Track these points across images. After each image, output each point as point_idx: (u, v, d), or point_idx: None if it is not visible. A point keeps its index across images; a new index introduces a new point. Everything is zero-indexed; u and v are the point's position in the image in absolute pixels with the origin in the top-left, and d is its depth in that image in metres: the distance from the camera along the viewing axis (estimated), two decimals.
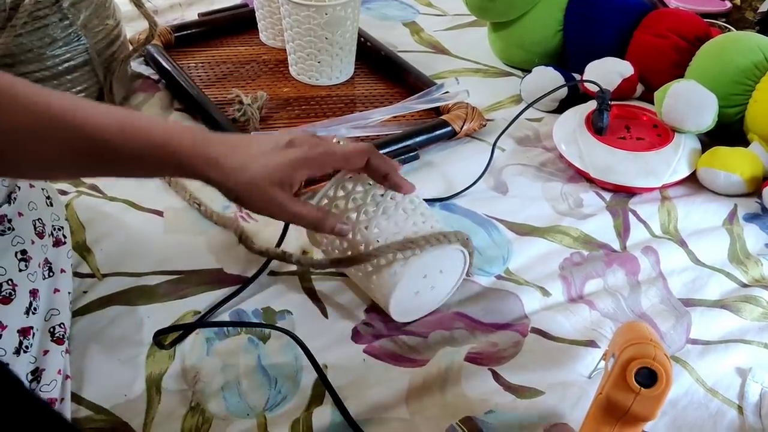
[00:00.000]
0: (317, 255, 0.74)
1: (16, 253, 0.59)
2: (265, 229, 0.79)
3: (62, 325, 0.63)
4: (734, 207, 0.87)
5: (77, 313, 0.68)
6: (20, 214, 0.61)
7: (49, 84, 0.87)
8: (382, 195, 0.64)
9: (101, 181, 0.83)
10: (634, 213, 0.85)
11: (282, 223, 0.75)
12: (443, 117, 0.95)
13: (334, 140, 0.62)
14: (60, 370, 0.59)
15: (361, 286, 0.70)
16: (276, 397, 0.62)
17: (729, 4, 1.25)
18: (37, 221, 0.63)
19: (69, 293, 0.66)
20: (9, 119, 0.48)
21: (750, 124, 0.91)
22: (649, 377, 0.46)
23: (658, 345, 0.49)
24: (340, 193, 0.66)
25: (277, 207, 0.57)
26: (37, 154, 0.50)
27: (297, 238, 0.76)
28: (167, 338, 0.66)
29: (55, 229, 0.68)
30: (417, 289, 0.67)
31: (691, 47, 0.96)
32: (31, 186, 0.66)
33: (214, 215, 0.79)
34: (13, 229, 0.59)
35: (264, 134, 0.80)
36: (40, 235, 0.63)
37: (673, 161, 0.87)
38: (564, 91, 1.00)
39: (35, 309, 0.59)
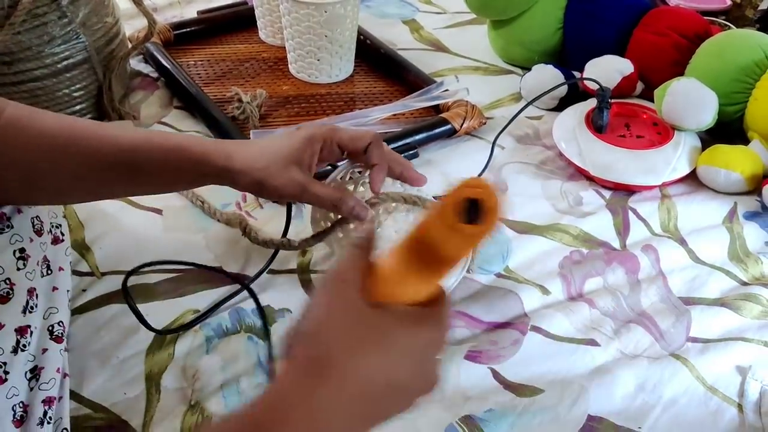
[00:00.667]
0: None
1: (14, 251, 0.59)
2: (265, 226, 0.79)
3: (61, 324, 0.62)
4: (734, 205, 0.87)
5: (76, 312, 0.68)
6: (19, 212, 0.60)
7: (48, 81, 0.87)
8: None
9: None
10: (634, 211, 0.85)
11: (284, 220, 0.75)
12: (443, 115, 0.95)
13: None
14: (59, 369, 0.59)
15: None
16: None
17: (729, 2, 1.25)
18: (35, 219, 0.63)
19: (68, 291, 0.66)
20: (38, 134, 0.54)
21: (750, 122, 0.91)
22: (473, 214, 0.37)
23: (491, 190, 0.38)
24: (348, 178, 0.66)
25: (297, 187, 0.59)
26: (63, 170, 0.55)
27: (297, 234, 0.76)
28: (167, 336, 0.66)
29: (53, 227, 0.67)
30: None
31: (691, 45, 0.95)
32: None
33: (217, 213, 0.79)
34: (12, 227, 0.59)
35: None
36: (39, 233, 0.63)
37: (673, 159, 0.87)
38: (564, 89, 1.00)
39: (33, 307, 0.59)
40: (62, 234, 0.68)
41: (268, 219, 0.80)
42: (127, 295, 0.67)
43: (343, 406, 0.37)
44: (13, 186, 0.56)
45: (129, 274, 0.69)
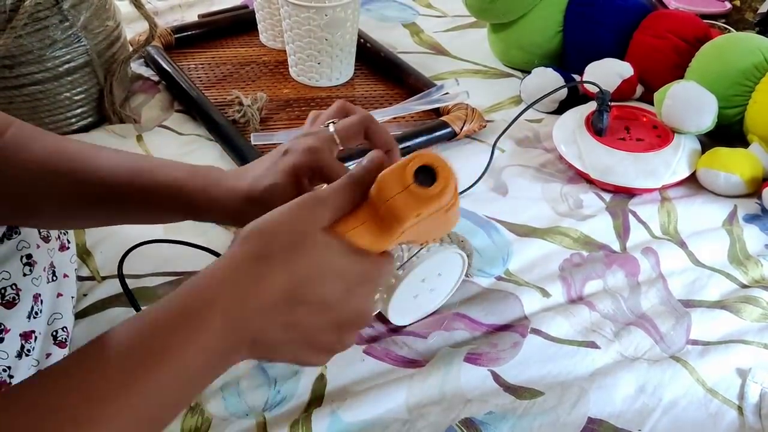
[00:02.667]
0: None
1: (21, 257, 0.59)
2: None
3: (65, 329, 0.63)
4: (734, 208, 0.87)
5: (78, 316, 0.68)
6: None
7: (50, 85, 0.87)
8: None
9: None
10: (634, 214, 0.85)
11: None
12: (443, 118, 0.95)
13: (325, 125, 0.57)
14: None
15: None
16: (275, 398, 0.62)
17: (728, 5, 1.25)
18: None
19: (72, 297, 0.67)
20: (35, 155, 0.52)
21: (750, 125, 0.91)
22: (427, 180, 0.40)
23: (446, 162, 0.42)
24: None
25: (308, 154, 0.52)
26: (57, 195, 0.53)
27: None
28: None
29: (60, 234, 0.68)
30: (416, 293, 0.67)
31: (690, 48, 0.96)
32: None
33: None
34: (19, 234, 0.60)
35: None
36: (46, 239, 0.63)
37: (673, 162, 0.87)
38: (564, 92, 1.00)
39: (38, 313, 0.60)
40: (68, 241, 0.69)
41: None
42: (122, 280, 0.67)
43: (269, 306, 0.39)
44: (11, 207, 0.55)
45: (125, 255, 0.68)
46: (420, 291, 0.67)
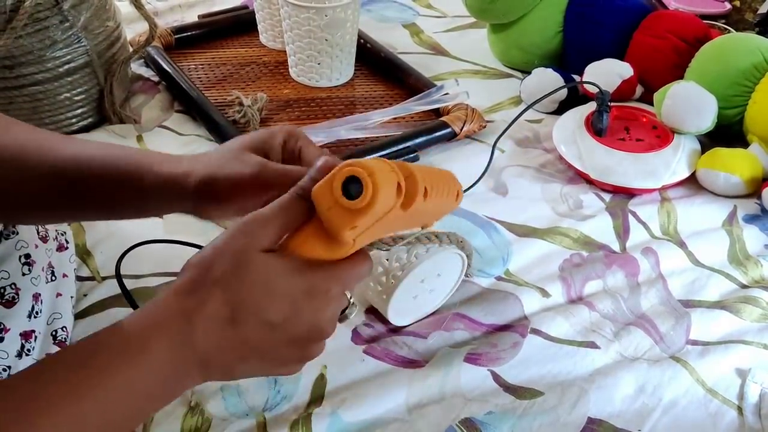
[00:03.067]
0: None
1: (20, 257, 0.59)
2: None
3: (64, 329, 0.63)
4: (734, 208, 0.87)
5: (78, 316, 0.68)
6: None
7: (50, 85, 0.87)
8: None
9: None
10: (634, 214, 0.85)
11: None
12: (443, 118, 0.96)
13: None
14: None
15: (357, 290, 0.70)
16: (275, 398, 0.62)
17: (728, 6, 1.25)
18: (39, 226, 0.64)
19: (71, 297, 0.67)
20: (5, 145, 0.50)
21: (749, 125, 0.91)
22: (358, 190, 0.38)
23: (393, 168, 0.41)
24: None
25: (256, 166, 0.50)
26: (23, 185, 0.51)
27: None
28: None
29: (58, 234, 0.68)
30: (415, 294, 0.67)
31: (690, 49, 0.96)
32: None
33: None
34: (17, 233, 0.60)
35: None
36: (44, 239, 0.63)
37: (673, 162, 0.87)
38: (564, 93, 1.00)
39: (38, 313, 0.60)
40: (67, 241, 0.69)
41: None
42: (120, 280, 0.66)
43: (211, 329, 0.40)
44: None
45: (123, 255, 0.68)
46: (419, 291, 0.67)
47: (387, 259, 0.64)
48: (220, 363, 0.42)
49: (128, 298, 0.66)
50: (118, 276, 0.66)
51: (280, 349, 0.43)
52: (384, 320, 0.69)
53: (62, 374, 0.39)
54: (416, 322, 0.70)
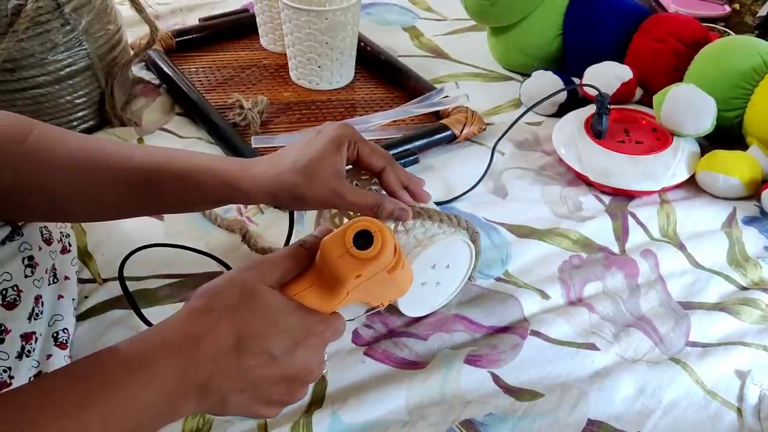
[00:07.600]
0: None
1: (23, 259, 0.59)
2: (266, 232, 0.79)
3: (66, 331, 0.63)
4: (733, 210, 0.87)
5: (79, 318, 0.68)
6: None
7: (51, 89, 0.88)
8: None
9: None
10: (634, 216, 0.86)
11: (284, 225, 0.75)
12: (443, 121, 0.96)
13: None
14: None
15: None
16: None
17: (728, 9, 1.25)
18: (43, 228, 0.64)
19: (73, 300, 0.67)
20: (60, 158, 0.55)
21: (748, 128, 0.91)
22: (365, 242, 0.45)
23: (384, 227, 0.47)
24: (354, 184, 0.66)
25: (335, 196, 0.57)
26: (86, 193, 0.56)
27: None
28: None
29: (62, 236, 0.68)
30: (424, 280, 0.66)
31: (689, 51, 0.96)
32: None
33: (218, 218, 0.80)
34: (21, 236, 0.60)
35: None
36: (48, 242, 0.64)
37: (672, 165, 0.88)
38: (563, 95, 1.01)
39: (39, 314, 0.60)
40: (70, 244, 0.69)
41: (269, 225, 0.81)
42: (122, 282, 0.67)
43: (218, 354, 0.43)
44: (39, 209, 0.57)
45: (126, 258, 0.69)
46: (428, 279, 0.67)
47: (407, 231, 0.64)
48: (218, 390, 0.43)
49: (130, 300, 0.67)
50: (121, 279, 0.67)
51: (273, 386, 0.46)
52: (385, 321, 0.69)
53: (68, 387, 0.40)
54: (423, 317, 0.70)
